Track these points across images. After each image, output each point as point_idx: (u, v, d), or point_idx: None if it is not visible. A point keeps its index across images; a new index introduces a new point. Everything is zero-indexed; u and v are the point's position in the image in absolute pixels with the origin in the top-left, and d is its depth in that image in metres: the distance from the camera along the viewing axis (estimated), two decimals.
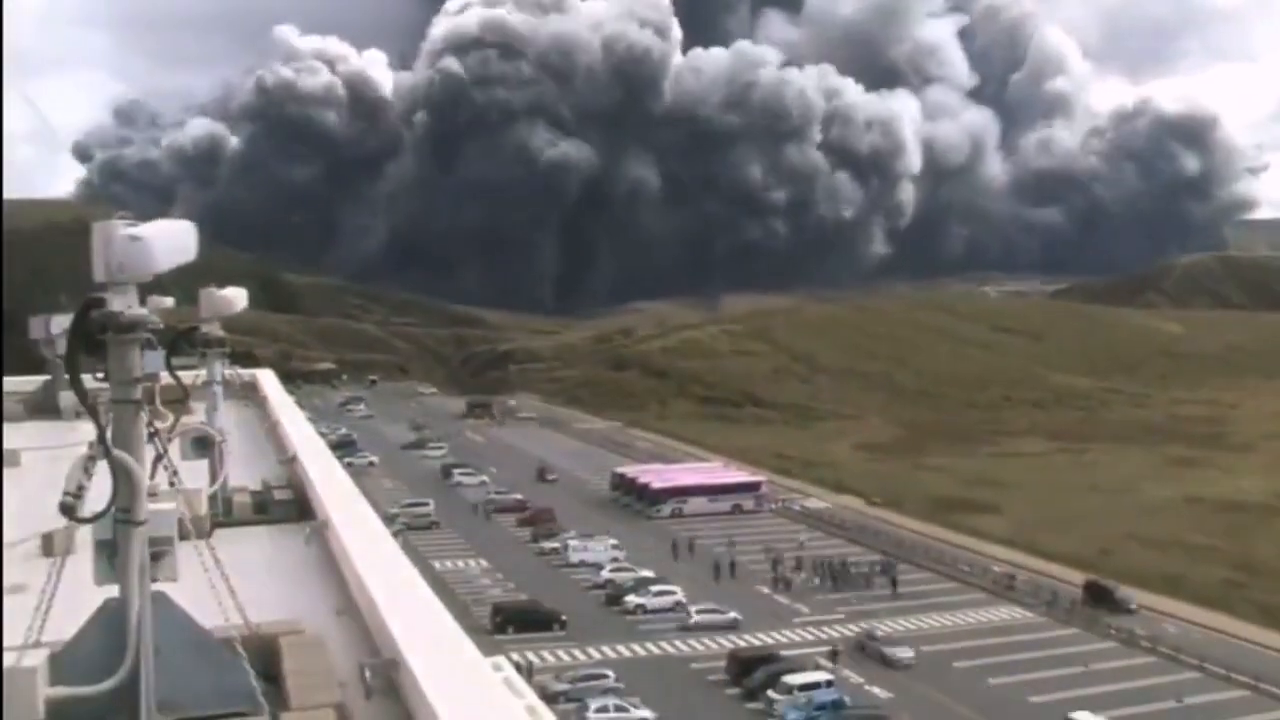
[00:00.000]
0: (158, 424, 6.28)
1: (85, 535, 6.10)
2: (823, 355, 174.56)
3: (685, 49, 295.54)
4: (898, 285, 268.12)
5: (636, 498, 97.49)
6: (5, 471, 15.98)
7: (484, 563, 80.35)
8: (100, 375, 5.98)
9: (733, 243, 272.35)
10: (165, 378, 8.07)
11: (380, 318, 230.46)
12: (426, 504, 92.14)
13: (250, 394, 24.20)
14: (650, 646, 63.78)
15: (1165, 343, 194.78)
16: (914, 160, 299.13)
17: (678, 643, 64.47)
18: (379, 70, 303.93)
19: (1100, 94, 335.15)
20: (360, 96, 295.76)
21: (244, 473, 14.50)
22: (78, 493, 5.70)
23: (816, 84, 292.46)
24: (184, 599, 6.47)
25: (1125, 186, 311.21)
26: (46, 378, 21.79)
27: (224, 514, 13.11)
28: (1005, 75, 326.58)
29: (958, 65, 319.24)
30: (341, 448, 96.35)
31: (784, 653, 61.40)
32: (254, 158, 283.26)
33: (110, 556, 6.06)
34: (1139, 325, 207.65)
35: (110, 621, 6.14)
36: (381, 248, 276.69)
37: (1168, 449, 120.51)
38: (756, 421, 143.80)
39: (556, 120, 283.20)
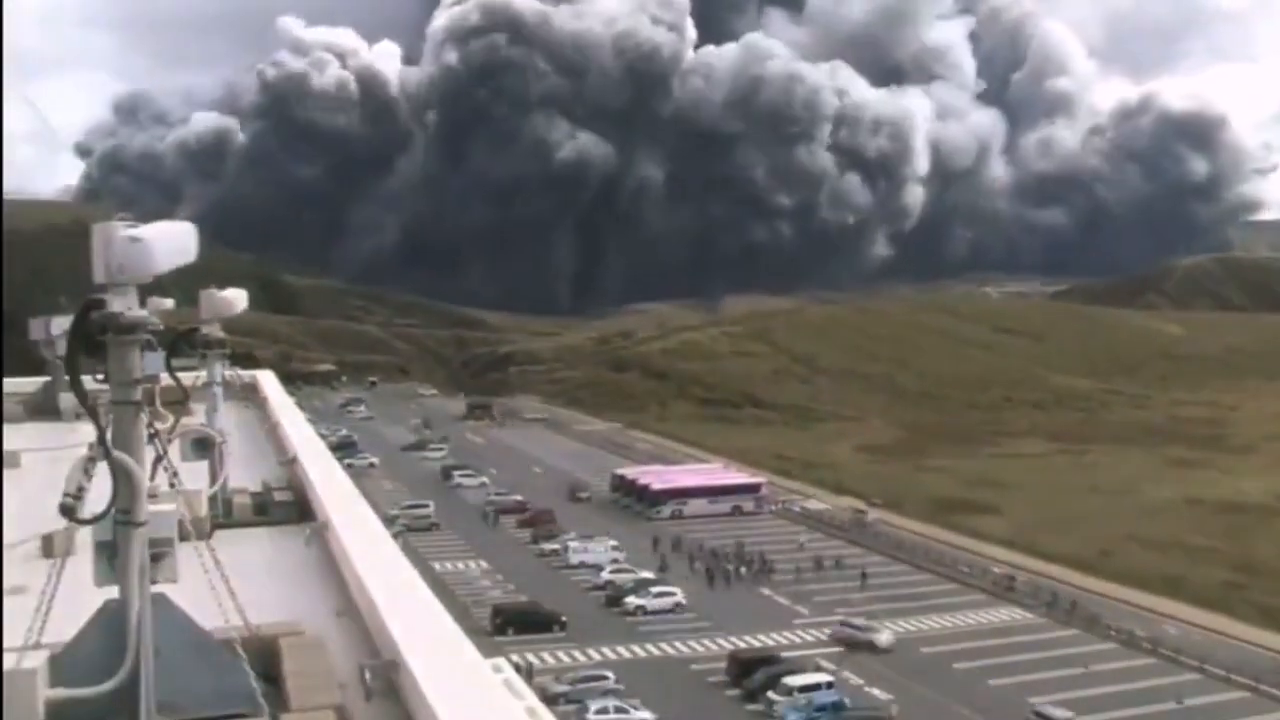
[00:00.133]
0: (158, 425, 6.27)
1: (85, 536, 6.10)
2: (823, 356, 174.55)
3: (694, 48, 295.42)
4: (899, 287, 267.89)
5: (637, 499, 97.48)
6: (5, 473, 15.98)
7: (484, 564, 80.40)
8: (100, 376, 5.97)
9: (738, 244, 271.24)
10: (165, 379, 8.07)
11: (381, 319, 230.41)
12: (427, 505, 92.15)
13: (250, 395, 24.18)
14: (650, 648, 63.80)
15: (1166, 344, 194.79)
16: (922, 162, 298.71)
17: (678, 644, 64.49)
18: (387, 61, 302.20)
19: (1103, 93, 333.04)
20: (368, 89, 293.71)
21: (244, 474, 14.49)
22: (78, 494, 5.70)
23: (828, 79, 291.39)
24: (184, 600, 6.46)
25: (1129, 187, 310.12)
26: (46, 379, 21.78)
27: (224, 515, 13.10)
28: (1006, 75, 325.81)
29: (963, 66, 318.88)
30: (342, 449, 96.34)
31: (785, 654, 61.47)
32: (260, 152, 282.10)
33: (110, 558, 6.05)
34: (1140, 326, 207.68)
35: (110, 623, 6.13)
36: (391, 244, 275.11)
37: (1168, 450, 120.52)
38: (757, 423, 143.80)
39: (567, 114, 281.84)
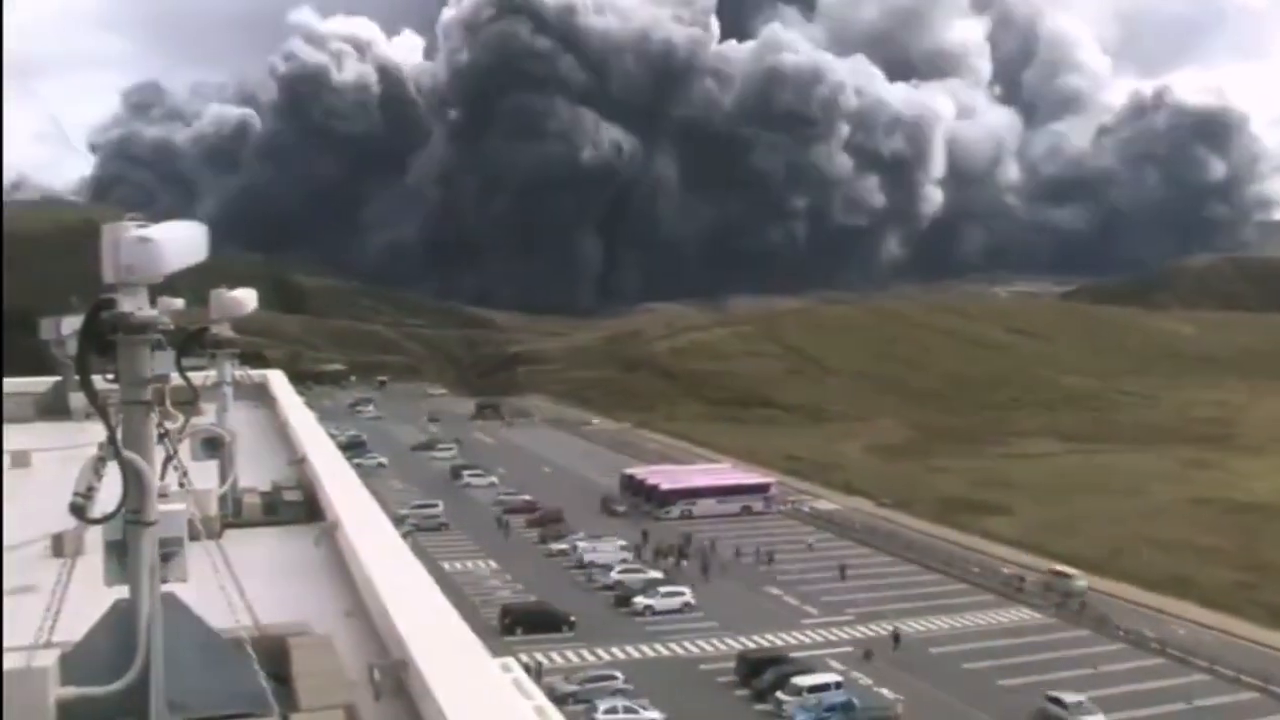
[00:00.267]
0: (168, 425, 6.29)
1: (95, 536, 6.12)
2: (833, 357, 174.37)
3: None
4: (909, 287, 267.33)
5: (646, 499, 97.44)
6: (16, 472, 16.04)
7: (493, 564, 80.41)
8: (111, 376, 5.99)
9: (753, 245, 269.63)
10: (175, 379, 8.09)
11: (390, 319, 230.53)
12: (436, 505, 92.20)
13: (260, 395, 24.22)
14: (659, 648, 63.78)
15: (1176, 344, 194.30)
16: (939, 162, 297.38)
17: (687, 644, 64.48)
18: (404, 53, 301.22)
19: (1118, 91, 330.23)
20: (385, 82, 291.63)
21: (254, 474, 14.52)
22: (88, 493, 5.72)
23: (849, 76, 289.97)
24: (194, 600, 6.48)
25: (1142, 185, 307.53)
26: (57, 379, 21.82)
27: (234, 515, 13.13)
28: (1018, 73, 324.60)
29: (977, 64, 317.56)
30: (351, 449, 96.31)
31: (794, 654, 61.43)
32: (275, 145, 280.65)
33: (120, 557, 6.08)
34: (1150, 326, 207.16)
35: (120, 622, 6.16)
36: (408, 239, 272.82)
37: (1178, 450, 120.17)
38: (766, 423, 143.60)
39: (589, 109, 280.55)
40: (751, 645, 63.20)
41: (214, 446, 12.63)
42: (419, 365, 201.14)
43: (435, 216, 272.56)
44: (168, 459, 6.44)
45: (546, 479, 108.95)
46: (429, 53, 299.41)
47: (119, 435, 5.87)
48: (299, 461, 15.59)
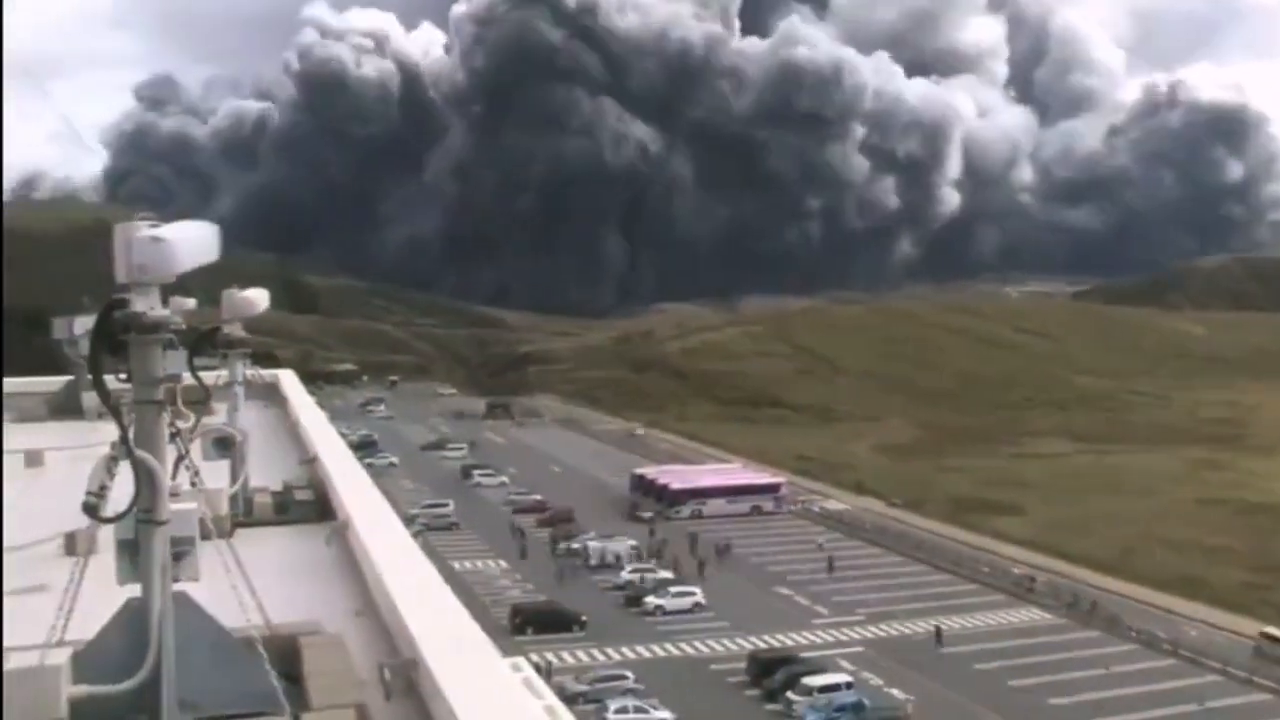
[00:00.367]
0: (179, 424, 6.30)
1: (108, 535, 6.14)
2: (844, 357, 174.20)
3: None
4: (920, 286, 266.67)
5: (656, 499, 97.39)
6: (29, 471, 16.11)
7: (503, 563, 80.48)
8: (123, 376, 6.01)
9: (768, 245, 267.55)
10: (187, 378, 8.11)
11: (401, 319, 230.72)
12: (446, 505, 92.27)
13: (271, 395, 24.28)
14: (670, 647, 63.78)
15: (1188, 344, 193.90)
16: (956, 162, 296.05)
17: (697, 644, 64.47)
18: (422, 44, 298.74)
19: (1131, 89, 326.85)
20: (403, 73, 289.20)
21: (265, 473, 14.55)
22: (100, 492, 5.74)
23: (869, 73, 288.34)
24: (205, 599, 6.50)
25: (1158, 184, 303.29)
26: (69, 378, 21.89)
27: (245, 514, 13.16)
28: (1030, 71, 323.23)
29: (992, 63, 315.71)
30: (362, 448, 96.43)
31: (805, 654, 61.40)
32: (292, 140, 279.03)
33: (132, 556, 6.10)
34: (1162, 326, 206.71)
35: (132, 621, 6.17)
36: (426, 234, 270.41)
37: (1189, 450, 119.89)
38: (776, 423, 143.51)
39: (607, 104, 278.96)
40: (762, 645, 63.17)
41: (225, 446, 12.66)
42: (430, 365, 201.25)
43: (453, 212, 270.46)
44: (179, 458, 6.45)
45: (557, 478, 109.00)
46: (447, 47, 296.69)
47: (131, 434, 5.88)
48: (310, 461, 15.63)
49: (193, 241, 6.32)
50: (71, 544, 10.53)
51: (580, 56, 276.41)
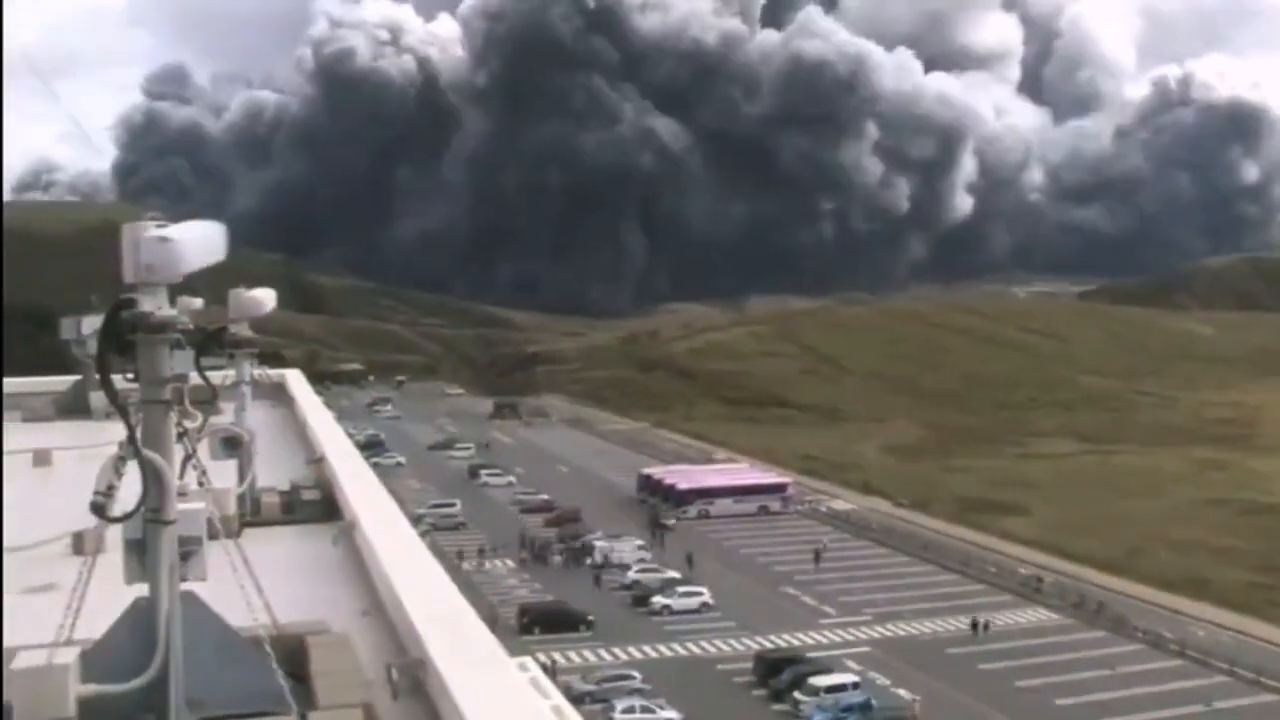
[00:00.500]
0: (187, 424, 6.30)
1: (116, 534, 6.14)
2: (850, 357, 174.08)
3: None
4: (926, 287, 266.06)
5: (663, 499, 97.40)
6: (38, 471, 16.14)
7: (510, 563, 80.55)
8: (130, 376, 6.01)
9: (784, 246, 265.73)
10: (194, 378, 8.11)
11: (408, 319, 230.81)
12: (454, 504, 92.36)
13: (278, 394, 24.26)
14: (677, 647, 63.80)
15: (1194, 344, 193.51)
16: (970, 163, 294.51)
17: (704, 644, 64.48)
18: (439, 35, 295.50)
19: (1142, 86, 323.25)
20: (420, 65, 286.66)
21: (272, 473, 14.54)
22: (108, 492, 5.74)
23: (889, 70, 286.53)
24: (212, 598, 6.50)
25: (1169, 183, 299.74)
26: (77, 378, 21.91)
27: (252, 514, 13.16)
28: (1039, 69, 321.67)
29: (1007, 62, 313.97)
30: (369, 448, 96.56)
31: (811, 654, 61.38)
32: (307, 133, 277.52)
33: (140, 555, 6.10)
34: (1168, 327, 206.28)
35: (140, 620, 6.18)
36: (444, 231, 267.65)
37: (1195, 451, 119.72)
38: (783, 423, 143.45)
39: (623, 100, 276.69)
40: (769, 645, 63.19)
41: (233, 446, 12.65)
42: (437, 365, 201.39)
43: (469, 208, 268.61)
44: (187, 458, 6.45)
45: (564, 478, 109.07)
46: (463, 40, 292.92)
47: (139, 434, 5.89)
48: (317, 461, 15.62)
49: (200, 241, 6.32)
50: (79, 543, 10.53)
51: (597, 50, 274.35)
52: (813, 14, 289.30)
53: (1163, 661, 63.32)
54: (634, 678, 57.13)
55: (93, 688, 6.02)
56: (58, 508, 10.22)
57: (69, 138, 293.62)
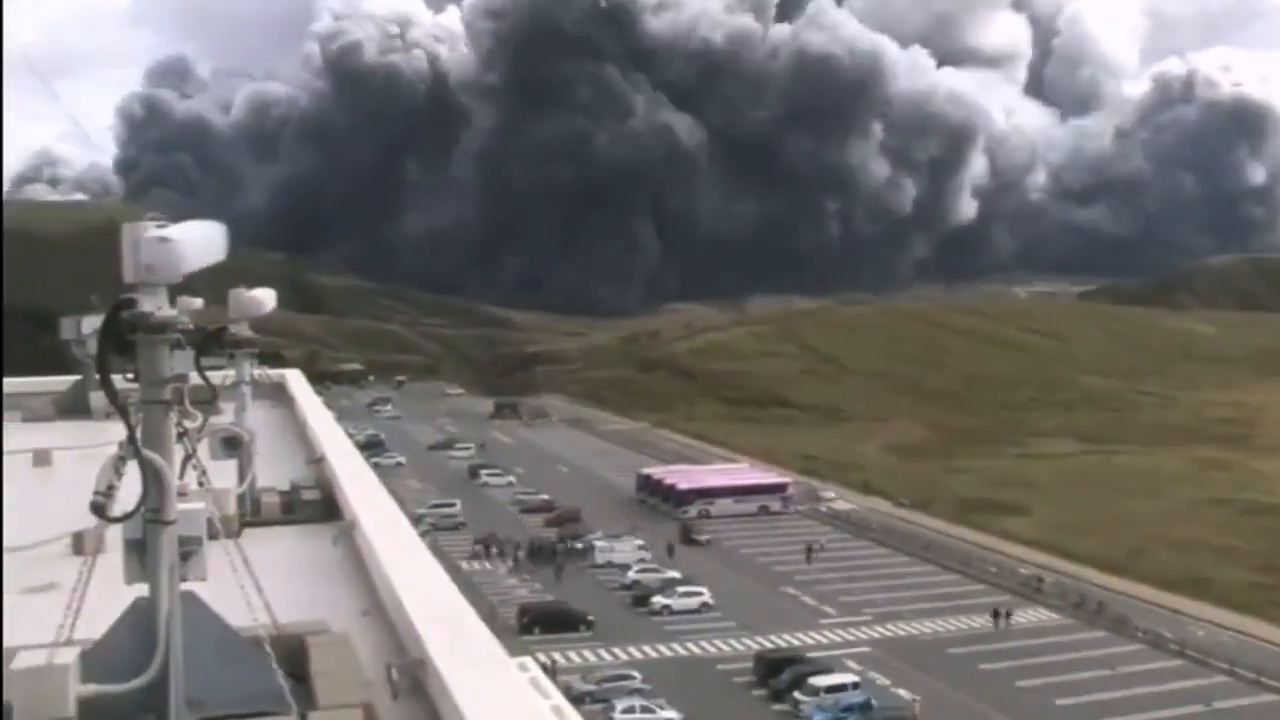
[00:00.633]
0: (187, 424, 6.31)
1: (116, 534, 6.14)
2: (851, 357, 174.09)
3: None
4: (927, 287, 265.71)
5: (663, 499, 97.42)
6: (38, 471, 16.15)
7: (510, 563, 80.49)
8: (130, 376, 6.02)
9: (791, 245, 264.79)
10: (194, 378, 8.11)
11: (409, 319, 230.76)
12: (454, 504, 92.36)
13: (278, 394, 24.25)
14: (677, 647, 63.81)
15: (1196, 344, 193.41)
16: (979, 164, 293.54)
17: (704, 644, 64.49)
18: (447, 29, 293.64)
19: (1144, 84, 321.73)
20: (430, 59, 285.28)
21: (272, 473, 14.54)
22: (108, 492, 5.74)
23: (903, 66, 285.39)
24: (213, 598, 6.50)
25: (1173, 182, 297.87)
26: (77, 378, 21.91)
27: (252, 514, 13.16)
28: (1041, 68, 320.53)
29: (1014, 61, 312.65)
30: (369, 448, 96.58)
31: (812, 654, 61.38)
32: (313, 129, 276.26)
33: (140, 555, 6.10)
34: (1170, 327, 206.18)
35: (140, 620, 6.18)
36: (452, 228, 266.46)
37: (1197, 451, 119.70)
38: (783, 423, 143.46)
39: (632, 94, 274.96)
40: (769, 645, 63.20)
41: (233, 446, 12.65)
42: (437, 365, 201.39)
43: (477, 204, 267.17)
44: (187, 458, 6.45)
45: (564, 478, 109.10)
46: (472, 35, 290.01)
47: (139, 434, 5.89)
48: (317, 461, 15.62)
49: (200, 241, 6.32)
50: (79, 543, 10.54)
51: (608, 45, 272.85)
52: (824, 6, 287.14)
53: (1163, 661, 63.35)
54: (634, 678, 57.14)
55: (93, 688, 6.03)
56: (58, 508, 10.22)
57: (70, 136, 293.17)
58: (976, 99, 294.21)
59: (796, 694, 55.08)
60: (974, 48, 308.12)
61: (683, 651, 63.41)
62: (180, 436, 6.21)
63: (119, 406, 5.86)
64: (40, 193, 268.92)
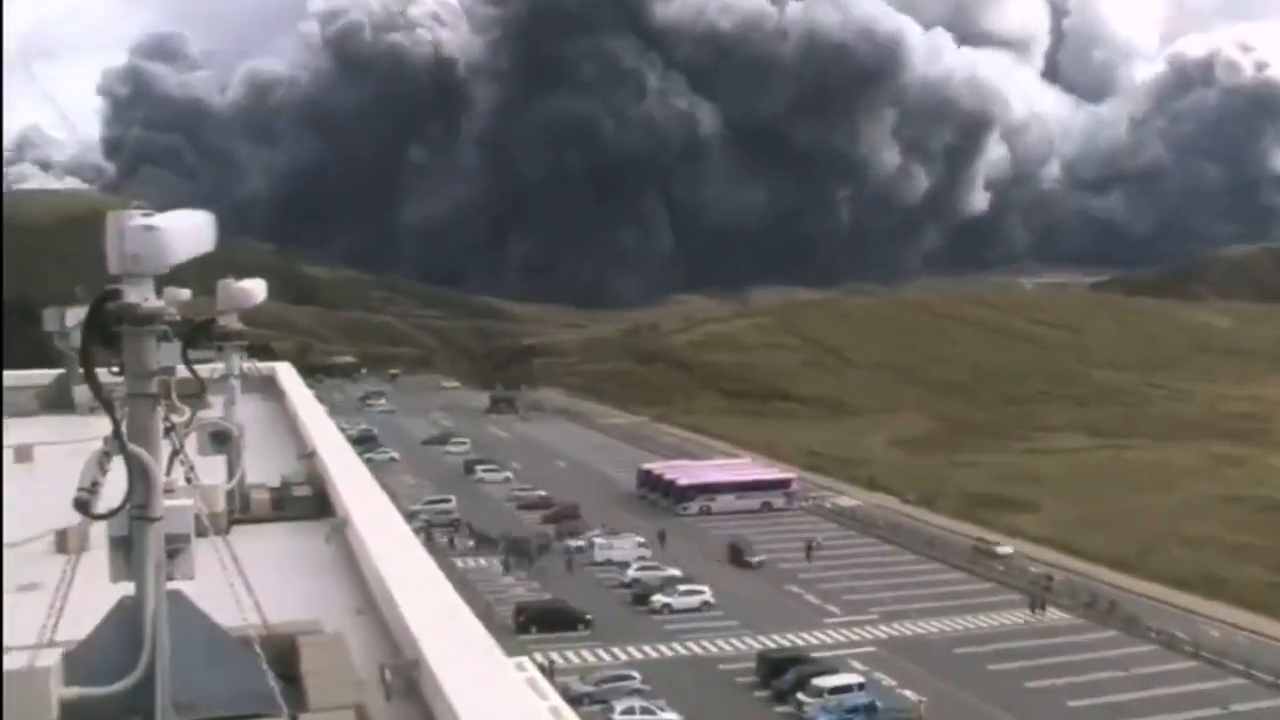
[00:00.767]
0: (174, 418, 6.29)
1: (100, 532, 6.13)
2: (855, 349, 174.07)
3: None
4: (939, 278, 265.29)
5: (663, 495, 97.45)
6: (20, 467, 16.12)
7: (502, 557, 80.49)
8: (115, 369, 6.00)
9: (805, 233, 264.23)
10: (182, 371, 8.10)
11: (402, 310, 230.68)
12: (449, 501, 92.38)
13: (269, 388, 24.27)
14: (677, 647, 63.82)
15: (1211, 336, 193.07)
16: (995, 152, 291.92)
17: (705, 643, 64.51)
18: (450, 10, 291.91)
19: (1161, 67, 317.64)
20: (435, 39, 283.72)
21: (262, 468, 14.54)
22: (93, 488, 5.73)
23: (925, 49, 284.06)
24: (200, 597, 6.49)
25: (1192, 169, 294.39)
26: (60, 371, 21.88)
27: (241, 510, 13.17)
28: (1055, 52, 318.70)
29: (1031, 47, 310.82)
30: (362, 443, 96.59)
31: (816, 655, 61.39)
32: (313, 107, 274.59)
33: (126, 554, 6.09)
34: (1184, 318, 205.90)
35: (125, 620, 6.17)
36: (454, 219, 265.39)
37: (1211, 446, 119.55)
38: (786, 416, 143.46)
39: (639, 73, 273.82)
40: (772, 645, 63.22)
41: (221, 441, 12.65)
42: (432, 358, 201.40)
43: (480, 192, 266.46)
44: (174, 453, 6.45)
45: (562, 474, 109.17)
46: (478, 14, 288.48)
47: (124, 429, 5.87)
48: (308, 456, 15.63)
49: (187, 231, 6.31)
50: (63, 541, 10.54)
51: (616, 26, 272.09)
52: None
53: (1177, 663, 63.28)
54: (634, 678, 57.13)
55: (76, 690, 6.01)
56: (41, 505, 10.23)
57: (58, 119, 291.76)
58: (994, 85, 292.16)
59: (800, 695, 55.07)
60: (990, 31, 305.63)
61: (684, 651, 63.42)
62: (167, 431, 6.20)
63: (104, 401, 5.84)
64: (26, 174, 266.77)
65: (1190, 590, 75.33)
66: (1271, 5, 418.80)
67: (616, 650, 62.63)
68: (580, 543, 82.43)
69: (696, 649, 63.80)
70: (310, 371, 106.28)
